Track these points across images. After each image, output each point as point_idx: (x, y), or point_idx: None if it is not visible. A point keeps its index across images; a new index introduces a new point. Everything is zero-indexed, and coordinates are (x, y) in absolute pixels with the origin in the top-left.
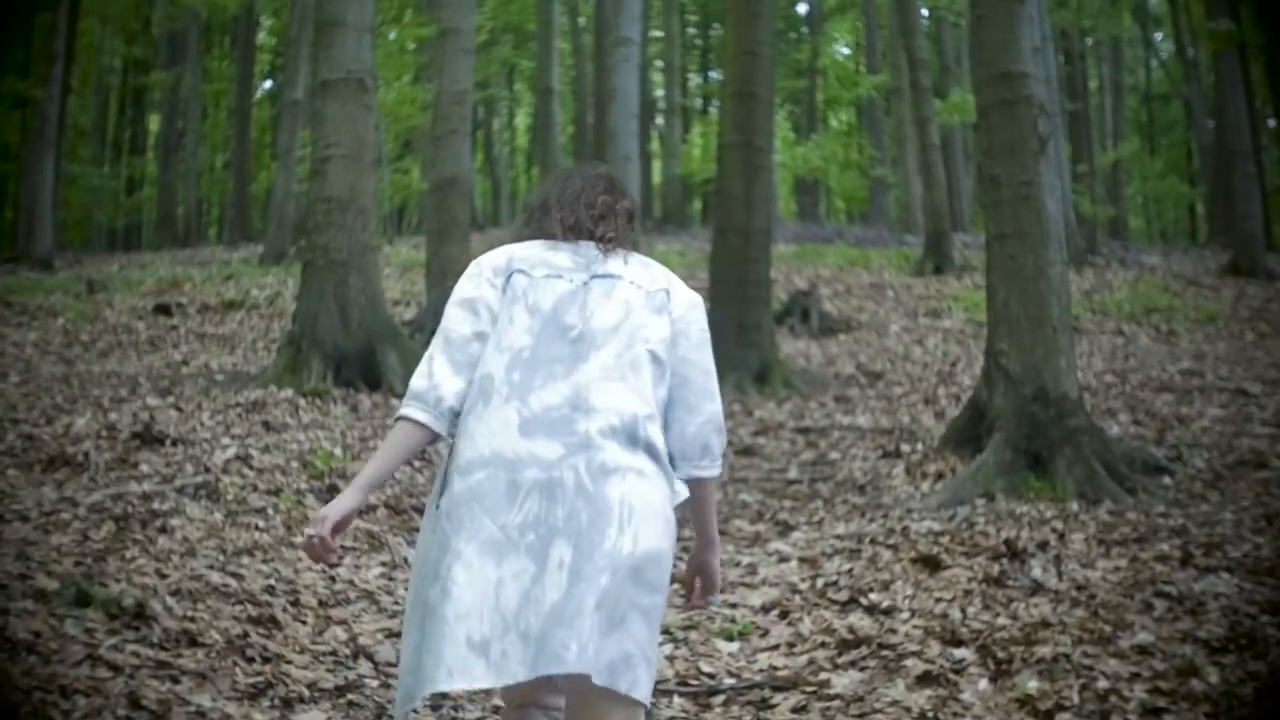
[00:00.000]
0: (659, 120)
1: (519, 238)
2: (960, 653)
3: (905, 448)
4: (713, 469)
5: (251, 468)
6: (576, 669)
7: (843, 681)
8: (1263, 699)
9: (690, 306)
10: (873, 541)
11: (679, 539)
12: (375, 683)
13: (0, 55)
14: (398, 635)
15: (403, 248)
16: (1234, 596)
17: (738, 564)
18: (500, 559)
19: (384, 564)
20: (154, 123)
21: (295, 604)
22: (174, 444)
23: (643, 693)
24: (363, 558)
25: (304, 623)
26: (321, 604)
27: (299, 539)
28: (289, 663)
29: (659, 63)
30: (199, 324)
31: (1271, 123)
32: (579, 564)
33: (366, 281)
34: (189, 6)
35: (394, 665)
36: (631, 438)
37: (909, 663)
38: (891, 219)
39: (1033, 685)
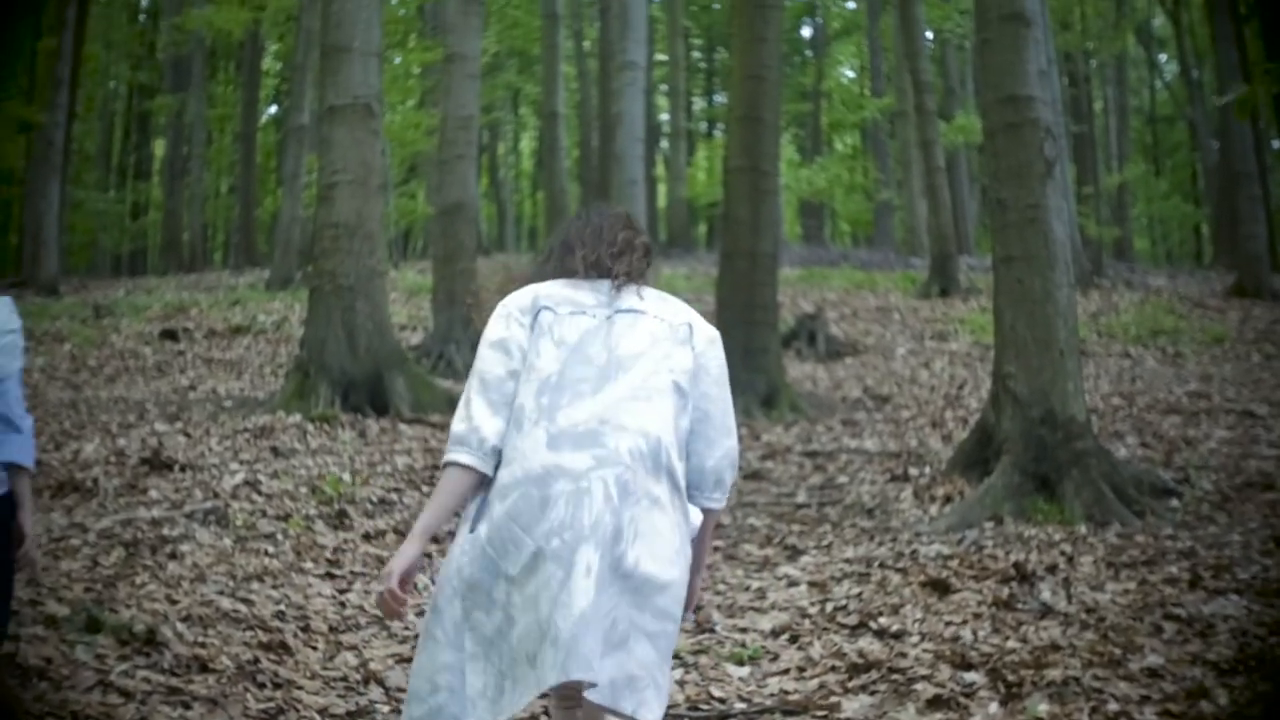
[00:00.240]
0: (664, 144)
1: (542, 275)
2: (970, 676)
3: (913, 471)
4: (722, 501)
5: (260, 493)
6: (594, 678)
7: (853, 706)
8: None
9: (710, 343)
10: (882, 565)
11: None
12: (386, 708)
13: (4, 80)
14: (408, 661)
15: (409, 272)
16: (1243, 618)
17: (747, 588)
18: (536, 570)
19: None
20: (159, 148)
21: (306, 629)
22: (182, 470)
23: (650, 715)
24: (372, 583)
25: (314, 648)
26: (332, 629)
27: (374, 592)
28: (300, 688)
29: (664, 87)
30: (206, 349)
31: (1276, 144)
32: (603, 573)
33: (374, 307)
34: (194, 31)
35: (404, 691)
36: (656, 463)
37: (919, 686)
38: (897, 242)
39: (1043, 708)
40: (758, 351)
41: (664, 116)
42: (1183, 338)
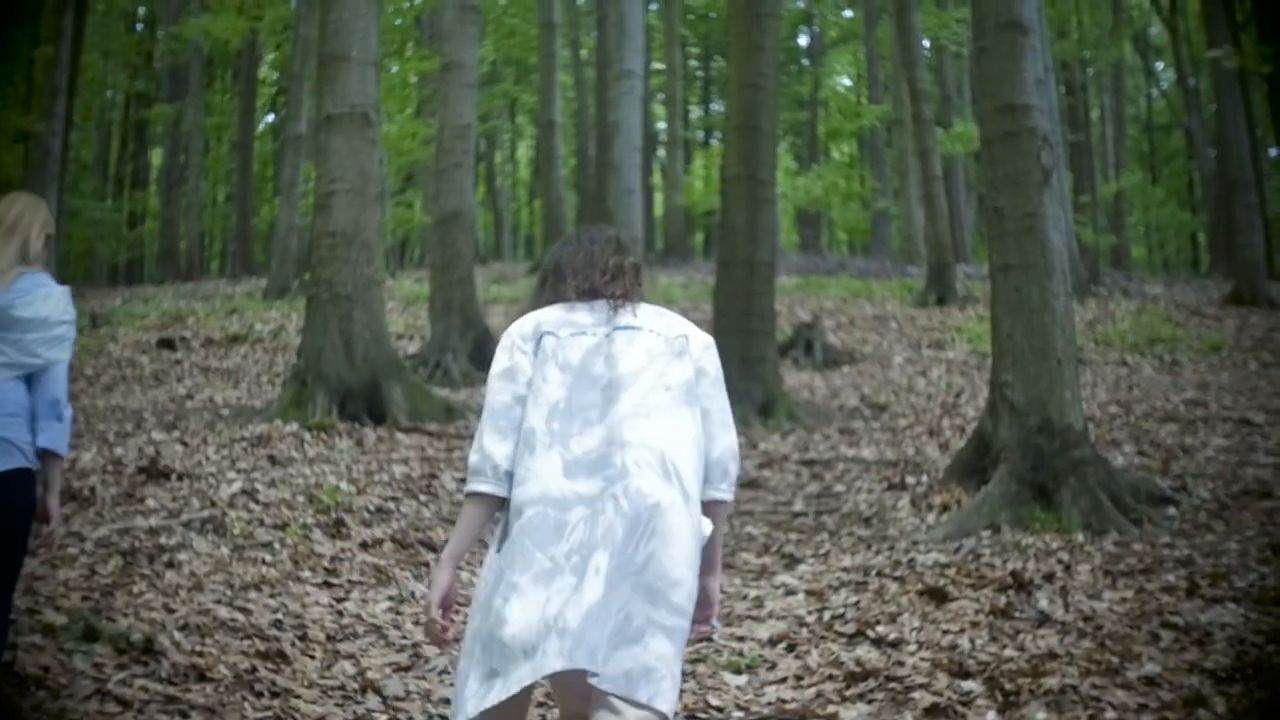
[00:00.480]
0: (661, 152)
1: (537, 302)
2: (968, 684)
3: (910, 480)
4: (729, 493)
5: (258, 502)
6: (597, 669)
7: (850, 714)
8: None
9: (706, 348)
10: (879, 574)
11: None
12: (384, 717)
13: (2, 89)
14: (406, 669)
15: (405, 281)
16: (1240, 626)
17: (744, 597)
18: (550, 583)
19: (391, 598)
20: (156, 156)
21: (303, 638)
22: (180, 478)
23: (666, 705)
24: (370, 592)
25: (312, 657)
26: (329, 638)
27: (422, 624)
28: (297, 697)
29: (661, 95)
30: (203, 358)
31: (1273, 152)
32: (613, 573)
33: (371, 315)
34: (191, 40)
35: (402, 700)
36: (664, 469)
37: (917, 695)
38: (894, 250)
39: (1040, 717)
40: (755, 360)
41: (661, 125)
42: (1180, 346)
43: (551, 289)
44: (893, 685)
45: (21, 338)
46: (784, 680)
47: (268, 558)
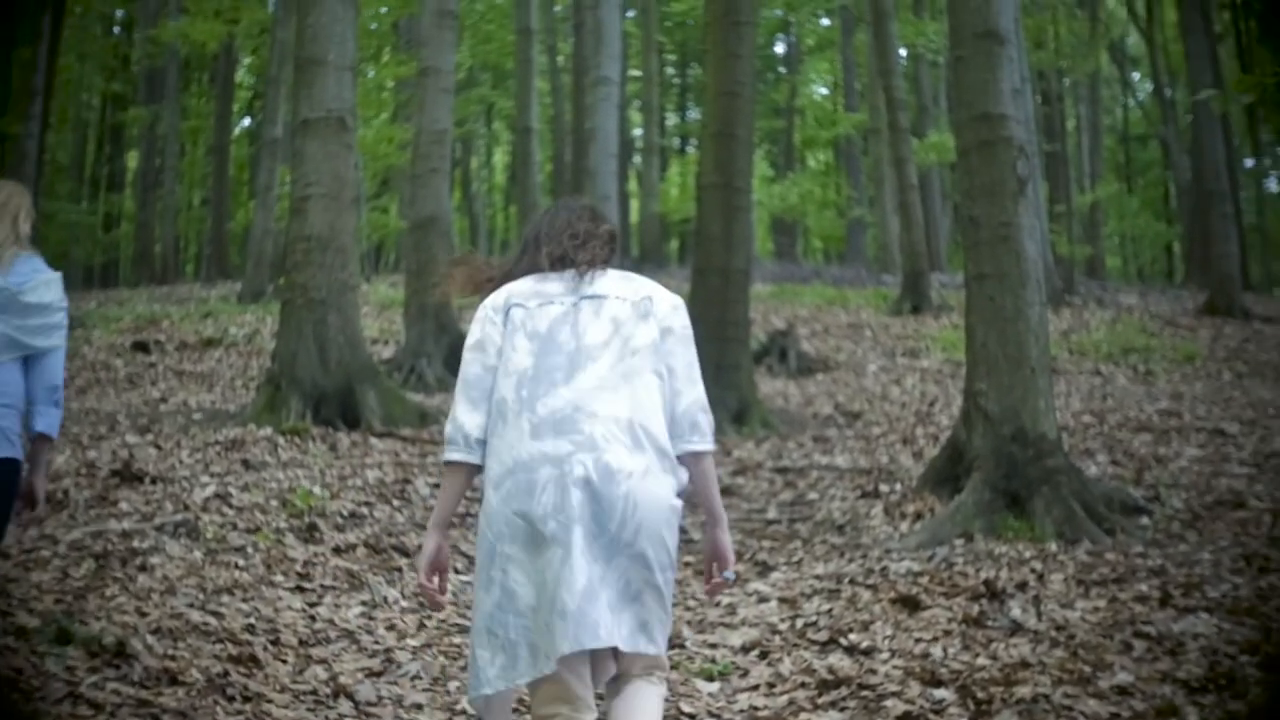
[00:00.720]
0: (637, 159)
1: (516, 271)
2: (940, 693)
3: (884, 488)
4: (704, 444)
5: (231, 506)
6: (606, 643)
7: None
8: None
9: (673, 309)
10: (852, 582)
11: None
12: None
13: None
14: (378, 674)
15: (381, 286)
16: (1213, 637)
17: (717, 604)
18: (536, 549)
19: (364, 603)
20: (132, 159)
21: (275, 643)
22: (153, 482)
23: (659, 645)
24: (342, 597)
25: (284, 661)
26: (302, 643)
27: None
28: (269, 702)
29: (637, 102)
30: (177, 361)
31: (1249, 162)
32: (595, 551)
33: (345, 320)
34: (168, 44)
35: (374, 705)
36: (634, 439)
37: (889, 703)
38: (869, 259)
39: None
40: (729, 368)
41: (637, 132)
42: (1154, 356)
43: (529, 258)
44: (865, 693)
45: (25, 323)
46: (756, 688)
47: (240, 562)
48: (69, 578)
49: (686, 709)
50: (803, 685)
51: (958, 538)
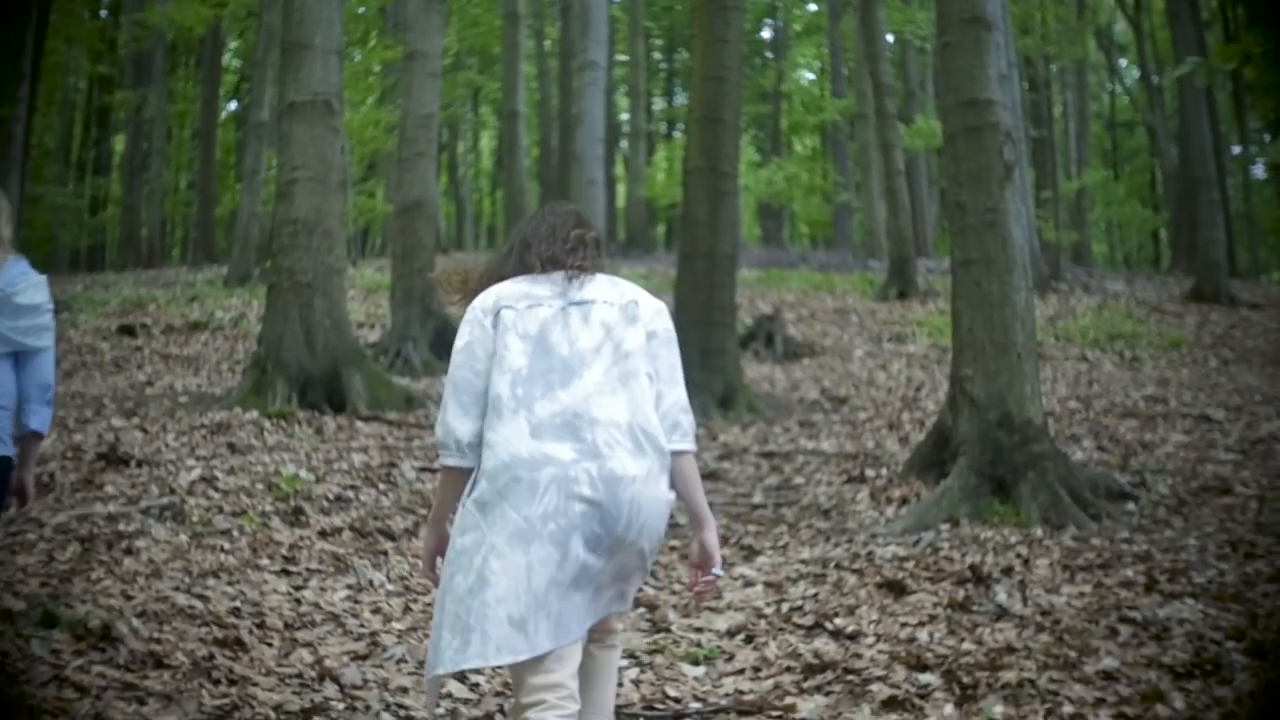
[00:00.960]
0: (623, 144)
1: (504, 273)
2: (925, 678)
3: (870, 473)
4: (684, 443)
5: (217, 489)
6: (581, 634)
7: (808, 706)
8: None
9: (657, 312)
10: (838, 566)
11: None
12: (341, 705)
13: None
14: (364, 658)
15: (367, 270)
16: (1199, 622)
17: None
18: (528, 546)
19: (350, 586)
20: (119, 143)
21: (261, 626)
22: (139, 465)
23: (629, 603)
24: (328, 580)
25: (270, 645)
26: (287, 626)
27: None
28: (255, 685)
29: (624, 87)
30: (163, 345)
31: (1236, 149)
32: (592, 557)
33: (332, 304)
34: (155, 27)
35: (359, 688)
36: (635, 442)
37: (874, 688)
38: (855, 244)
39: (998, 710)
40: (715, 352)
41: (624, 116)
42: (1140, 342)
43: (518, 259)
44: (850, 677)
45: (18, 323)
46: (741, 672)
47: (226, 545)
48: (54, 561)
49: (672, 693)
50: (788, 669)
51: (943, 523)
